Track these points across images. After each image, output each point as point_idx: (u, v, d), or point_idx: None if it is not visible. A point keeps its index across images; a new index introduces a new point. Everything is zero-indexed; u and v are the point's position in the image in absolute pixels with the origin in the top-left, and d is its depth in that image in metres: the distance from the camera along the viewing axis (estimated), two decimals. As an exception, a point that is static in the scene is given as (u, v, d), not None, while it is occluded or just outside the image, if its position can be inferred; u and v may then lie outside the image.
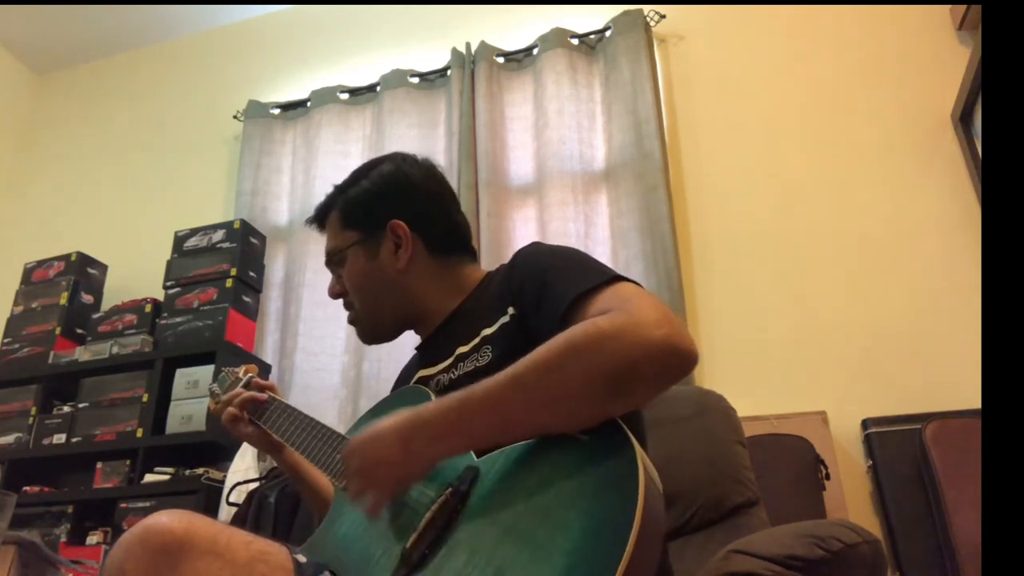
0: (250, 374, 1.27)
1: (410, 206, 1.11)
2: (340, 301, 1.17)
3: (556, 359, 0.75)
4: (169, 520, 0.77)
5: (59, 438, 2.53)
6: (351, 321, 1.16)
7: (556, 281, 0.89)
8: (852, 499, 2.01)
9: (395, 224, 1.09)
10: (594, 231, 2.54)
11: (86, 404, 2.55)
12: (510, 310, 0.96)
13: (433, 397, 0.99)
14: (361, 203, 1.12)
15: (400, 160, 1.16)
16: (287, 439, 1.12)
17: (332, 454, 1.03)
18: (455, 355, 1.02)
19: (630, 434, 0.74)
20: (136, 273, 3.04)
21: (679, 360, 0.74)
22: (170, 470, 2.32)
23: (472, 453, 0.85)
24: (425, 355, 1.12)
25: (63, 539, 2.31)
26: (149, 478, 2.32)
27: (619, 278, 0.85)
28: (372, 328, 1.14)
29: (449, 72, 2.90)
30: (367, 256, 1.11)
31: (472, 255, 1.17)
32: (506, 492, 0.78)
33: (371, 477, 0.85)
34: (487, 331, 0.98)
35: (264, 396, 1.20)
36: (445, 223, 1.14)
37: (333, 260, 1.14)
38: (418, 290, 1.10)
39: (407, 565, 0.80)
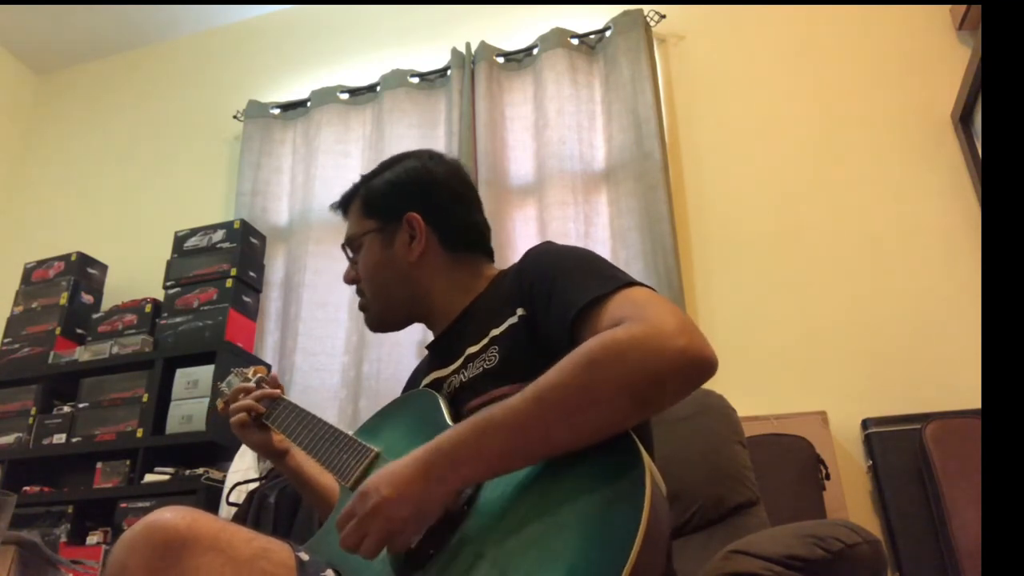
0: (259, 375, 1.27)
1: (428, 201, 1.12)
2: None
3: (579, 376, 0.74)
4: (172, 516, 0.77)
5: (59, 438, 2.53)
6: (361, 307, 1.17)
7: (567, 285, 0.88)
8: (852, 499, 2.01)
9: (410, 216, 1.10)
10: (594, 231, 2.54)
11: (86, 404, 2.55)
12: (519, 311, 0.95)
13: (441, 401, 0.99)
14: (381, 193, 1.14)
15: (426, 157, 1.17)
16: (294, 439, 1.12)
17: (339, 454, 1.03)
18: (465, 355, 1.01)
19: (635, 438, 0.73)
20: (136, 273, 3.03)
21: (701, 369, 0.73)
22: (170, 470, 2.32)
23: None
24: (437, 355, 1.12)
25: (63, 539, 2.31)
26: (149, 478, 2.32)
27: (631, 283, 0.84)
28: (380, 316, 1.15)
29: (449, 72, 2.90)
30: (382, 245, 1.12)
31: (489, 256, 1.17)
32: (512, 495, 0.78)
33: (385, 518, 0.78)
34: (495, 331, 0.97)
35: (275, 393, 1.20)
36: (462, 220, 1.14)
37: (351, 246, 1.16)
38: (428, 284, 1.10)
39: (412, 566, 0.80)
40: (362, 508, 0.79)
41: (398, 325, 1.16)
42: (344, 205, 1.20)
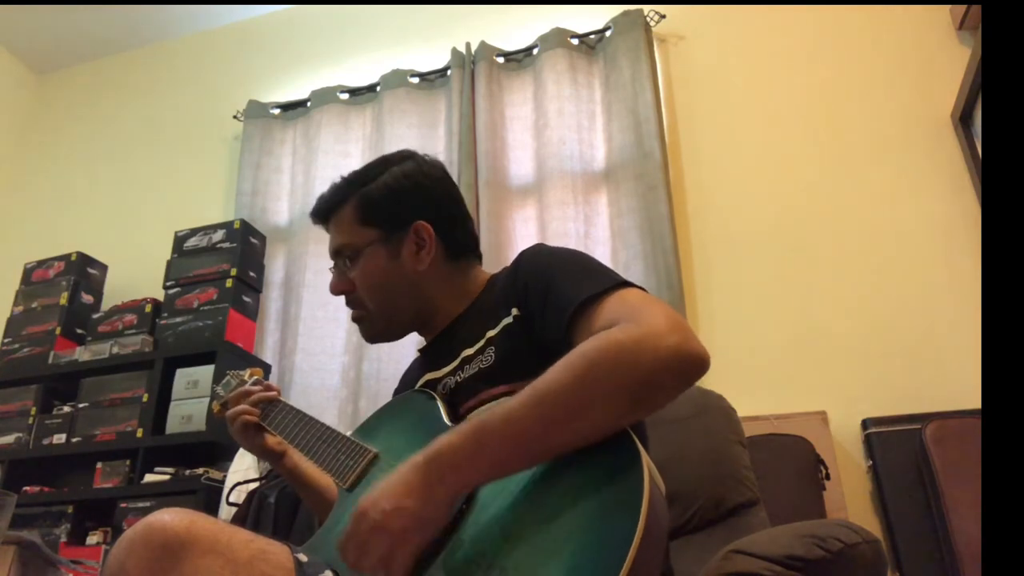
0: (255, 377, 1.27)
1: (433, 207, 1.09)
2: (340, 301, 1.15)
3: (576, 377, 0.74)
4: (171, 518, 0.77)
5: (59, 438, 2.53)
6: (356, 319, 1.13)
7: (561, 285, 0.89)
8: (852, 499, 2.01)
9: (420, 226, 1.07)
10: (594, 231, 2.54)
11: (86, 404, 2.55)
12: (513, 311, 0.96)
13: (438, 401, 0.99)
14: (383, 201, 1.08)
15: (420, 159, 1.13)
16: (292, 441, 1.12)
17: (336, 455, 1.03)
18: (461, 358, 1.01)
19: (634, 436, 0.74)
20: (136, 273, 3.03)
21: (694, 366, 0.74)
22: (170, 470, 2.32)
23: None
24: (430, 358, 1.12)
25: (63, 539, 2.31)
26: (149, 478, 2.32)
27: (624, 283, 0.85)
28: (383, 327, 1.11)
29: (449, 72, 2.90)
30: (388, 255, 1.07)
31: (479, 259, 1.17)
32: (510, 494, 0.78)
33: (387, 532, 0.75)
34: (491, 333, 0.98)
35: (272, 396, 1.20)
36: (464, 227, 1.13)
37: (344, 255, 1.09)
38: (433, 292, 1.09)
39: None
40: (365, 525, 0.77)
41: (397, 336, 1.13)
42: (328, 212, 1.12)
